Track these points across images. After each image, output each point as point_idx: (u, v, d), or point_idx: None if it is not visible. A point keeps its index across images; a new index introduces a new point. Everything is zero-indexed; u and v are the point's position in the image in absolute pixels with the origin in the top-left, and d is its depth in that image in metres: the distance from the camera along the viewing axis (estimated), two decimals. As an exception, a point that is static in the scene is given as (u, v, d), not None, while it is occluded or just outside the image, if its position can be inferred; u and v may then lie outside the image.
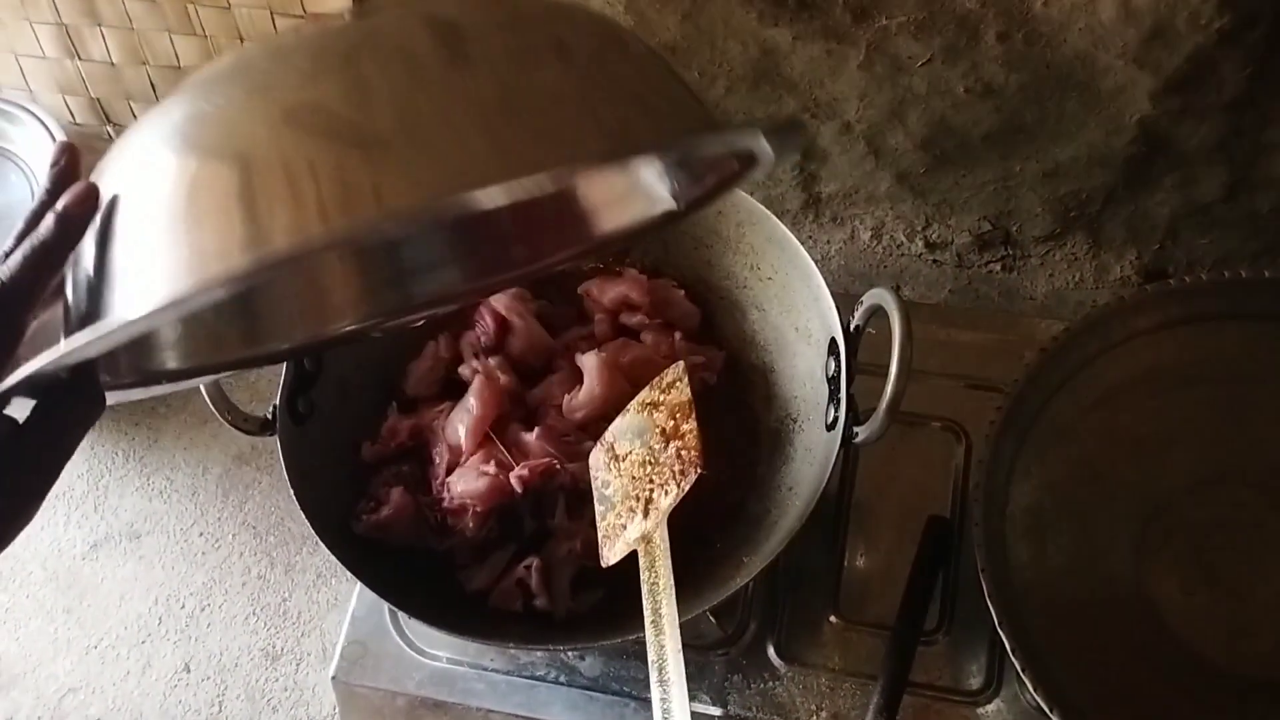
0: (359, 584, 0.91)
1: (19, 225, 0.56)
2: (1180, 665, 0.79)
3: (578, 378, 0.87)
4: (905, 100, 1.02)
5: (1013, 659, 0.74)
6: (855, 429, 0.75)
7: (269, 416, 0.81)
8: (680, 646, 0.68)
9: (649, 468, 0.80)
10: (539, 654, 0.87)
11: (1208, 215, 1.05)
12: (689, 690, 0.83)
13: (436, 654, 0.88)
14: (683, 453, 0.78)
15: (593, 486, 0.81)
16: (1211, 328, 0.86)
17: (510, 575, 0.81)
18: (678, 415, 0.80)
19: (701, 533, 0.84)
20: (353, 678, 0.89)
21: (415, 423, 0.87)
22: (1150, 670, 0.79)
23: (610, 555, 0.78)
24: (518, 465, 0.81)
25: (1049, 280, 1.13)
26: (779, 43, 0.99)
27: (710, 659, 0.86)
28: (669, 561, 0.73)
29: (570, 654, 0.87)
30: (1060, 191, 1.07)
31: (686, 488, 0.76)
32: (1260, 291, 0.85)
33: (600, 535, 0.79)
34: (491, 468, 0.81)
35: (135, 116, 1.17)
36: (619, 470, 0.81)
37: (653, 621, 0.70)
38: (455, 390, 0.89)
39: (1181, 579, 0.82)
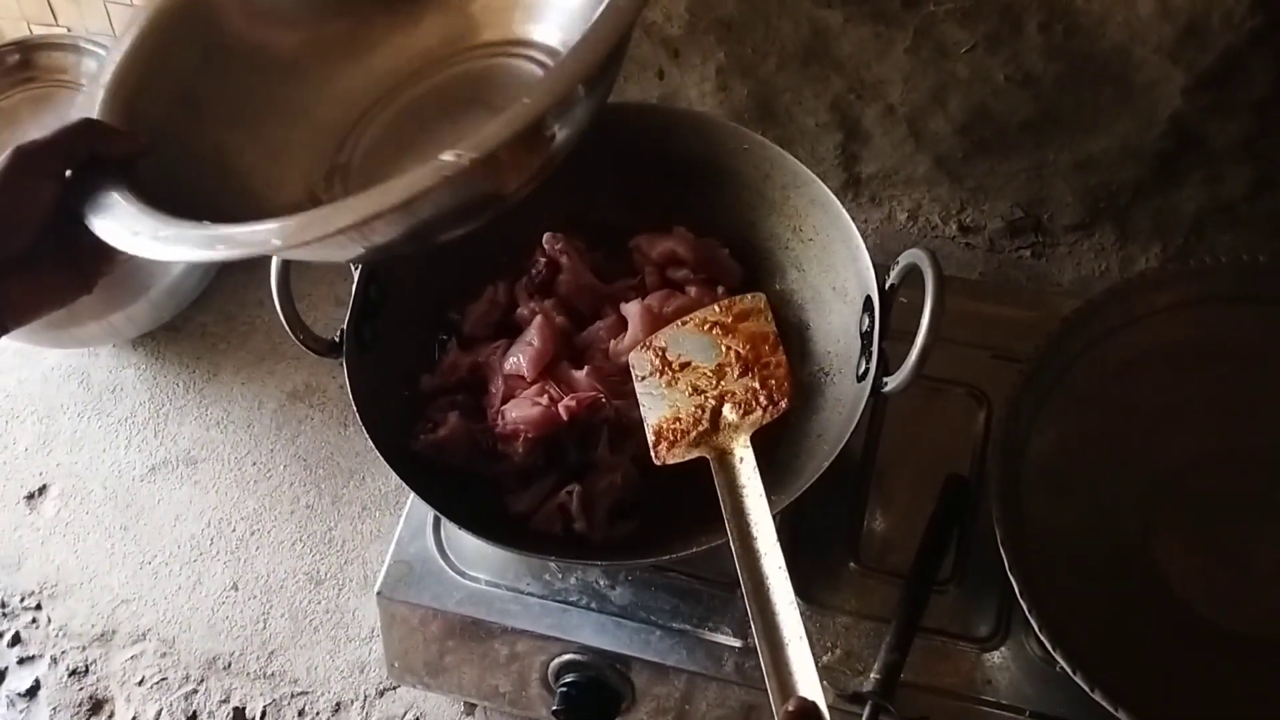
0: (406, 509, 0.98)
1: None
2: (1181, 622, 0.84)
3: (624, 325, 0.93)
4: (947, 85, 1.07)
5: (1020, 601, 0.79)
6: (885, 379, 0.80)
7: (336, 339, 0.87)
8: (787, 572, 0.72)
9: (717, 383, 0.86)
10: (572, 581, 0.93)
11: (1232, 212, 1.10)
12: (712, 622, 0.90)
13: (476, 575, 0.94)
14: (770, 381, 0.85)
15: (635, 382, 0.87)
16: (1228, 309, 0.90)
17: (552, 500, 0.86)
18: (761, 345, 0.87)
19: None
20: (396, 594, 0.94)
21: (474, 359, 0.92)
22: (1152, 625, 0.84)
23: (668, 456, 0.84)
24: (566, 396, 0.87)
25: (1076, 268, 1.18)
26: (830, 23, 1.05)
27: (734, 595, 0.91)
28: (758, 476, 0.79)
29: (601, 582, 0.92)
30: (1091, 182, 1.12)
31: (776, 414, 0.84)
32: (1277, 276, 0.89)
33: (652, 433, 0.85)
34: (544, 399, 0.86)
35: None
36: (674, 376, 0.87)
37: (740, 539, 0.75)
38: (509, 332, 0.95)
39: (1186, 543, 0.87)
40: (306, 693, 1.08)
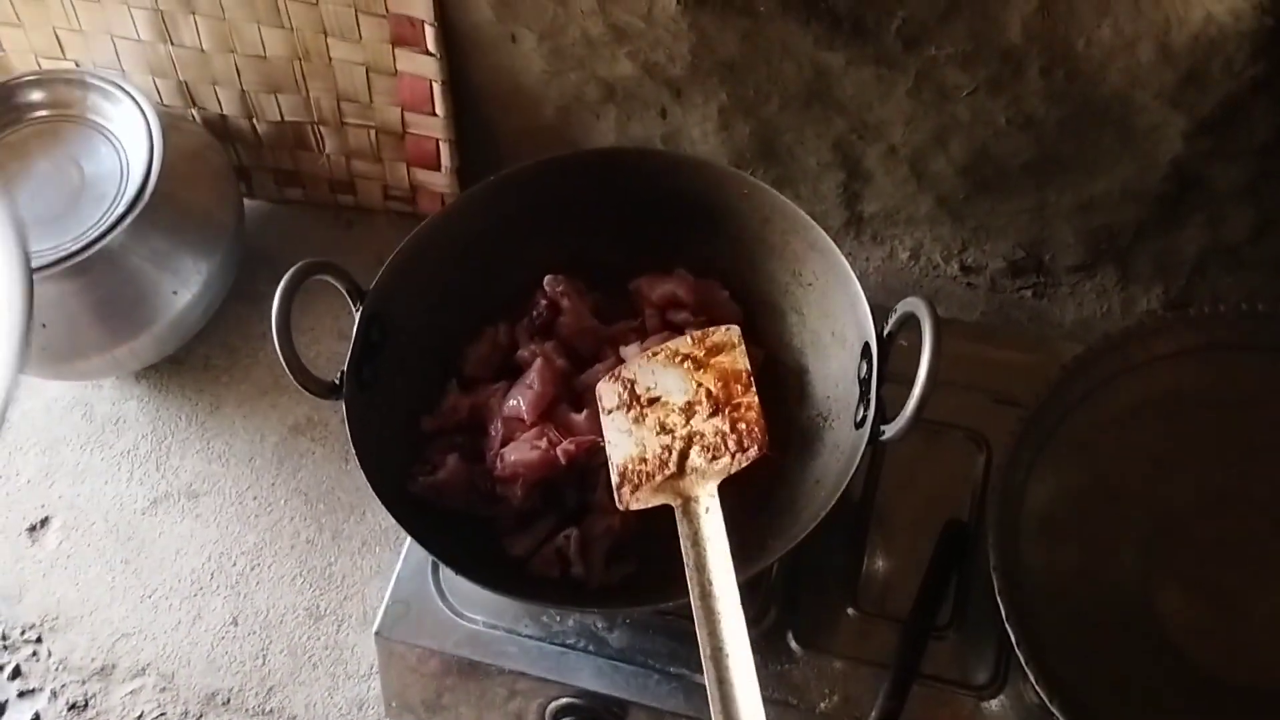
0: (405, 548, 0.98)
1: None
2: (1179, 671, 0.84)
3: (623, 367, 0.93)
4: (949, 127, 1.07)
5: (1017, 651, 0.79)
6: (883, 427, 0.80)
7: (336, 381, 0.87)
8: (744, 624, 0.72)
9: (686, 423, 0.83)
10: (569, 624, 0.92)
11: (1234, 255, 1.10)
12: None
13: (474, 617, 0.94)
14: (740, 425, 0.82)
15: (601, 415, 0.85)
16: (1228, 356, 0.90)
17: (550, 544, 0.87)
18: (732, 382, 0.84)
19: (730, 520, 0.88)
20: (394, 634, 0.94)
21: (474, 400, 0.93)
22: (1150, 674, 0.84)
23: (631, 500, 0.82)
24: (565, 440, 0.87)
25: (1078, 309, 1.18)
26: (832, 66, 1.05)
27: (732, 640, 0.91)
28: (722, 531, 0.77)
29: (599, 625, 0.92)
30: (1092, 224, 1.12)
31: (745, 463, 0.81)
32: (1277, 324, 0.89)
33: (616, 473, 0.83)
34: (543, 442, 0.87)
35: (220, 101, 1.24)
36: (641, 412, 0.84)
37: (701, 599, 0.73)
38: (509, 374, 0.95)
39: (1185, 591, 0.87)
40: (304, 730, 1.09)
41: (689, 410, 0.85)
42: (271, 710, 1.09)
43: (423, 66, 1.15)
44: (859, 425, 0.84)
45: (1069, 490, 0.89)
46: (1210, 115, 0.98)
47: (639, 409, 0.86)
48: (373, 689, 1.08)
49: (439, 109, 1.18)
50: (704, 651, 0.72)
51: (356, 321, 0.90)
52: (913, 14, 1.00)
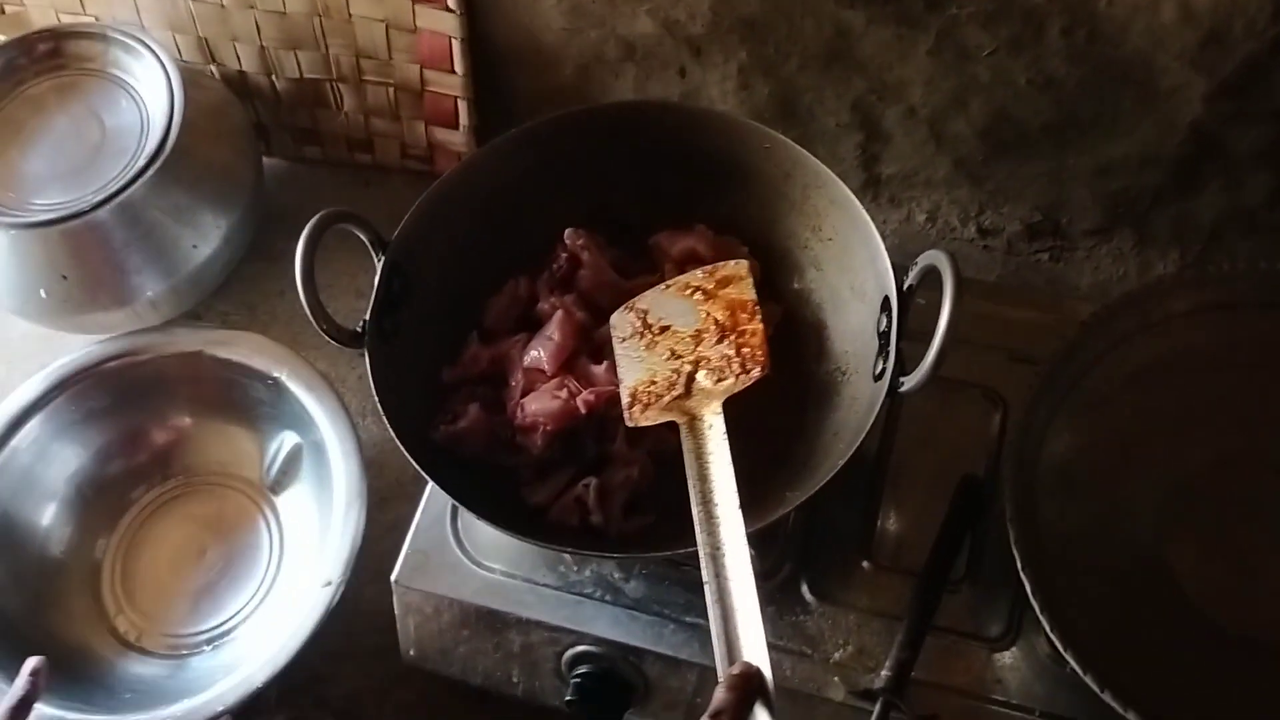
0: (424, 498, 0.99)
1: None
2: (1193, 625, 0.84)
3: (642, 320, 0.94)
4: (969, 88, 1.07)
5: (1032, 601, 0.80)
6: (901, 379, 0.81)
7: (359, 330, 0.88)
8: (745, 539, 0.74)
9: (694, 349, 0.87)
10: (586, 573, 0.93)
11: (1252, 219, 1.10)
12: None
13: (492, 566, 0.95)
14: (744, 349, 0.86)
15: (614, 344, 0.89)
16: (1246, 315, 0.91)
17: (569, 493, 0.87)
18: (739, 312, 0.88)
19: (748, 472, 0.89)
20: (413, 582, 0.95)
21: (494, 352, 0.93)
22: (1164, 628, 0.85)
23: (641, 418, 0.85)
24: (585, 390, 0.88)
25: (1094, 273, 1.18)
26: (852, 24, 1.05)
27: (748, 591, 0.92)
28: (725, 445, 0.80)
29: (615, 575, 0.93)
30: (1110, 187, 1.12)
31: (748, 383, 0.84)
32: (1294, 284, 0.90)
33: (627, 395, 0.86)
34: (564, 392, 0.87)
35: (239, 57, 1.25)
36: (653, 340, 0.88)
37: (703, 505, 0.76)
38: (529, 326, 0.95)
39: (1199, 548, 0.87)
40: (325, 680, 1.10)
41: (698, 338, 0.88)
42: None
43: (442, 23, 1.15)
44: (877, 378, 0.84)
45: (1085, 447, 0.89)
46: (1231, 77, 0.98)
47: (651, 337, 0.89)
48: (389, 641, 1.09)
49: (458, 67, 1.18)
50: (702, 551, 0.74)
51: (379, 270, 0.90)
52: (936, -28, 1.00)
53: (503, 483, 0.90)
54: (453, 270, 0.95)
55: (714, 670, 0.89)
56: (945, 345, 0.77)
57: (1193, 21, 0.95)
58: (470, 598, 0.94)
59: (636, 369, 0.88)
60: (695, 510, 0.76)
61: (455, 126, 1.24)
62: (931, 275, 0.81)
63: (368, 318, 0.88)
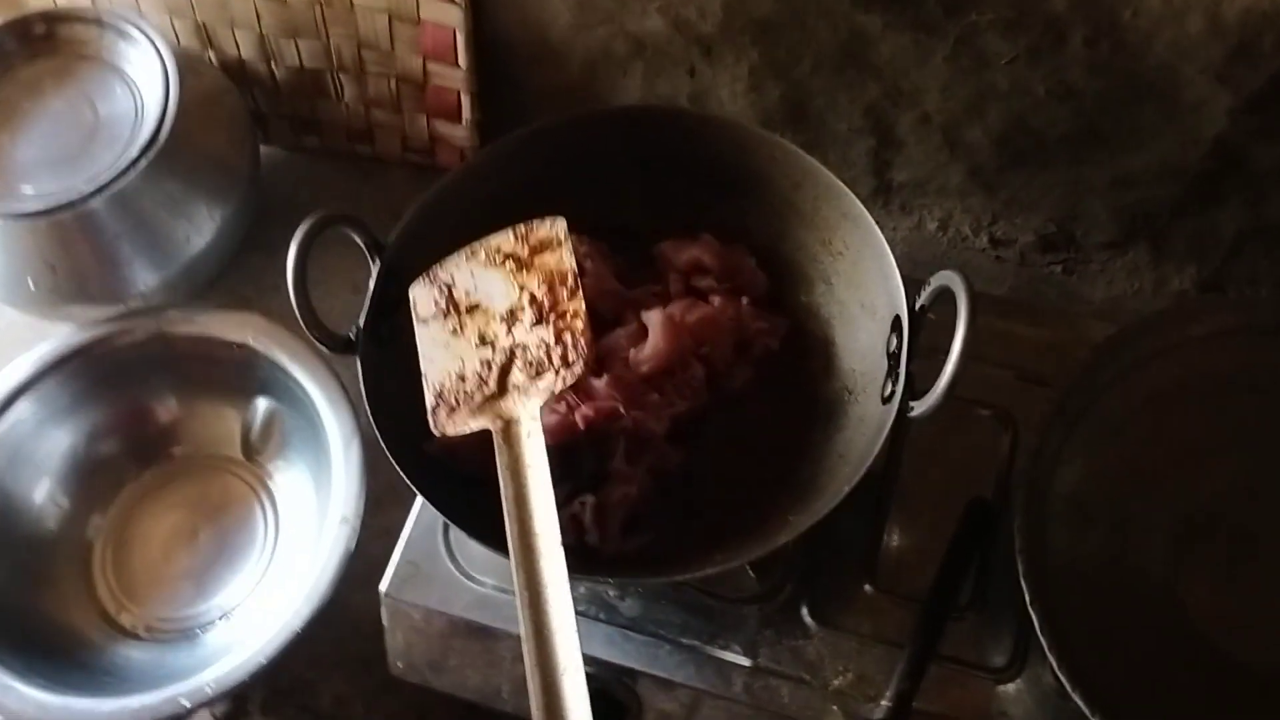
0: (415, 509, 0.96)
1: None
2: (1204, 660, 0.82)
3: (645, 333, 0.91)
4: (986, 96, 1.04)
5: (1040, 636, 0.77)
6: (911, 403, 0.78)
7: (351, 337, 0.85)
8: (565, 573, 0.65)
9: (508, 333, 0.75)
10: (581, 591, 0.91)
11: (1273, 236, 1.07)
12: (723, 639, 0.88)
13: (484, 580, 0.92)
14: (565, 336, 0.73)
15: (415, 323, 0.77)
16: (1267, 341, 0.88)
17: (565, 511, 0.84)
18: (558, 285, 0.75)
19: (750, 492, 0.87)
20: (402, 595, 0.93)
21: (491, 359, 0.91)
22: (1174, 662, 0.82)
23: (448, 424, 0.74)
24: (584, 405, 0.85)
25: (1108, 287, 1.15)
26: (868, 28, 1.02)
27: (745, 612, 0.90)
28: (544, 458, 0.69)
29: (611, 593, 0.91)
30: (1128, 200, 1.09)
31: (570, 380, 0.74)
32: (1317, 310, 0.87)
33: (432, 394, 0.75)
34: (562, 407, 0.85)
35: (238, 44, 1.22)
36: (460, 321, 0.76)
37: (520, 536, 0.66)
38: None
39: (1212, 580, 0.85)
40: (312, 687, 1.08)
41: (511, 319, 0.76)
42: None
43: (447, 15, 1.12)
44: (886, 400, 0.81)
45: (1098, 474, 0.87)
46: (1258, 92, 0.95)
47: (457, 318, 0.77)
48: (377, 648, 1.07)
49: (462, 60, 1.15)
50: (520, 597, 0.66)
51: (374, 275, 0.88)
52: (955, -23, 0.97)
53: (498, 498, 0.88)
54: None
55: (709, 695, 0.88)
56: (957, 372, 0.74)
57: (1221, 34, 0.92)
58: (461, 612, 0.92)
59: (442, 358, 0.76)
60: (511, 542, 0.67)
61: (458, 120, 1.21)
62: (944, 293, 0.78)
63: (361, 323, 0.86)
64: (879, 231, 0.85)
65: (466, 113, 1.20)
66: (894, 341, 0.83)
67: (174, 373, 1.14)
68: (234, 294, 1.24)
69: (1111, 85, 1.00)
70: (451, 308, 0.78)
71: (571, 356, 0.75)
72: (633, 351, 0.89)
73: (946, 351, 0.74)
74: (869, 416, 0.84)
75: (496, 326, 0.76)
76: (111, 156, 1.10)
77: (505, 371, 0.75)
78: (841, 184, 0.87)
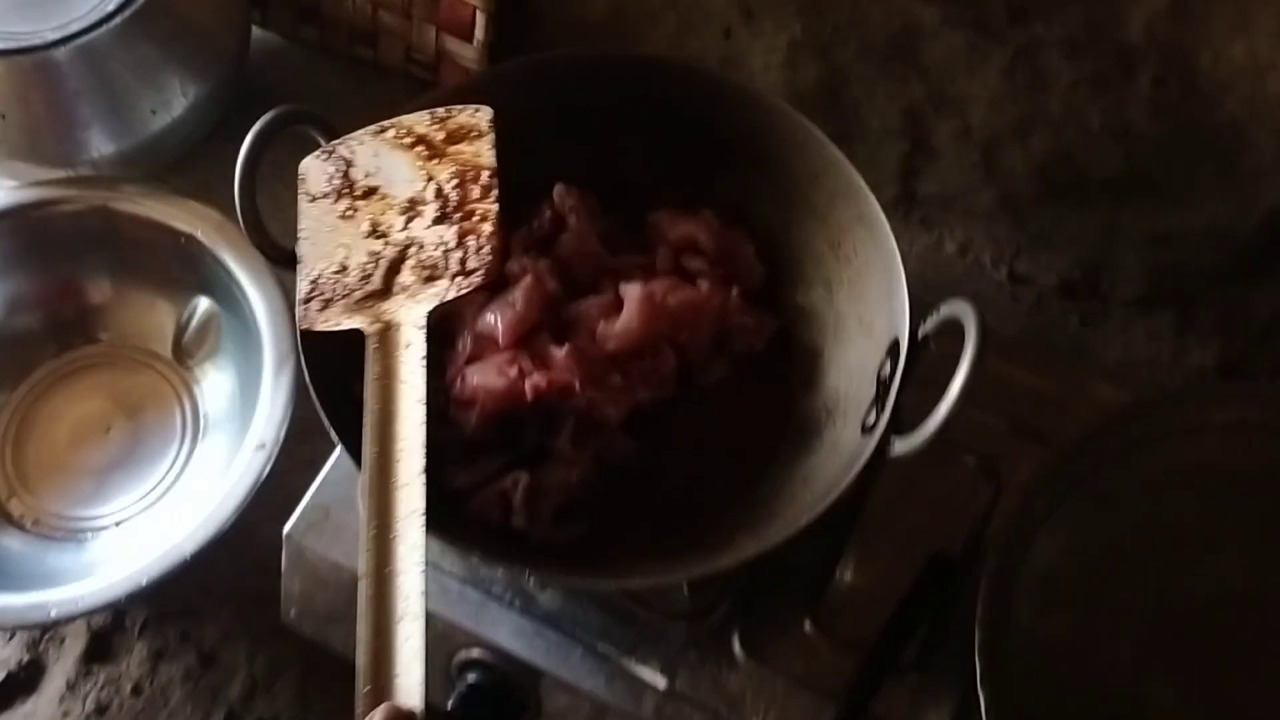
0: (337, 450, 0.88)
1: None
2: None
3: (619, 307, 0.82)
4: (1036, 119, 0.96)
5: (983, 717, 0.70)
6: (894, 438, 0.70)
7: (296, 251, 0.76)
8: (422, 508, 0.58)
9: (404, 226, 0.67)
10: (499, 571, 0.83)
11: (1309, 327, 0.99)
12: (641, 654, 0.81)
13: (397, 541, 0.84)
14: (468, 240, 0.66)
15: (300, 199, 0.69)
16: (1285, 442, 0.80)
17: (495, 485, 0.76)
18: (470, 182, 0.67)
19: (700, 501, 0.79)
20: (306, 540, 0.85)
21: (447, 305, 0.82)
22: (1122, 772, 0.75)
23: (319, 319, 0.66)
24: (537, 372, 0.76)
25: (1124, 348, 1.07)
26: (924, 21, 0.94)
27: (671, 627, 0.82)
28: (422, 375, 0.62)
29: (531, 581, 0.83)
30: (1164, 259, 1.01)
31: (466, 289, 0.66)
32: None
33: (306, 283, 0.67)
34: (514, 370, 0.76)
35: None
36: (353, 205, 0.68)
37: (376, 459, 0.58)
38: (491, 284, 0.84)
39: (1181, 687, 0.77)
40: (198, 616, 1.00)
41: (411, 210, 0.68)
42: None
43: (476, -77, 1.03)
44: (867, 430, 0.73)
45: (1080, 552, 0.79)
46: (1330, 169, 0.87)
47: (350, 200, 0.69)
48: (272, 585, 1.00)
49: (483, -26, 1.06)
50: (365, 528, 0.57)
51: (335, 188, 0.79)
52: (1028, -18, 0.88)
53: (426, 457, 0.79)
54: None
55: (615, 712, 0.80)
56: (952, 414, 0.66)
57: (1302, 101, 0.84)
58: (365, 570, 0.84)
59: (326, 244, 0.67)
60: (365, 464, 0.59)
61: (469, 39, 1.12)
62: (952, 325, 0.70)
63: (310, 238, 0.77)
64: (894, 244, 0.77)
65: (479, 32, 1.10)
66: (887, 367, 0.74)
67: (113, 253, 1.05)
68: (195, 181, 1.14)
69: (1172, 132, 0.92)
70: (346, 188, 0.69)
71: (472, 264, 0.66)
72: (602, 324, 0.80)
73: (941, 386, 0.67)
74: (844, 444, 0.76)
75: (393, 217, 0.68)
76: (86, 7, 1.01)
77: (394, 269, 0.66)
78: (864, 184, 0.79)
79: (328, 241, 0.68)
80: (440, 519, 0.71)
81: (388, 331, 0.64)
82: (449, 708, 0.82)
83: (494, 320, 0.79)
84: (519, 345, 0.78)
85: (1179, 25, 0.85)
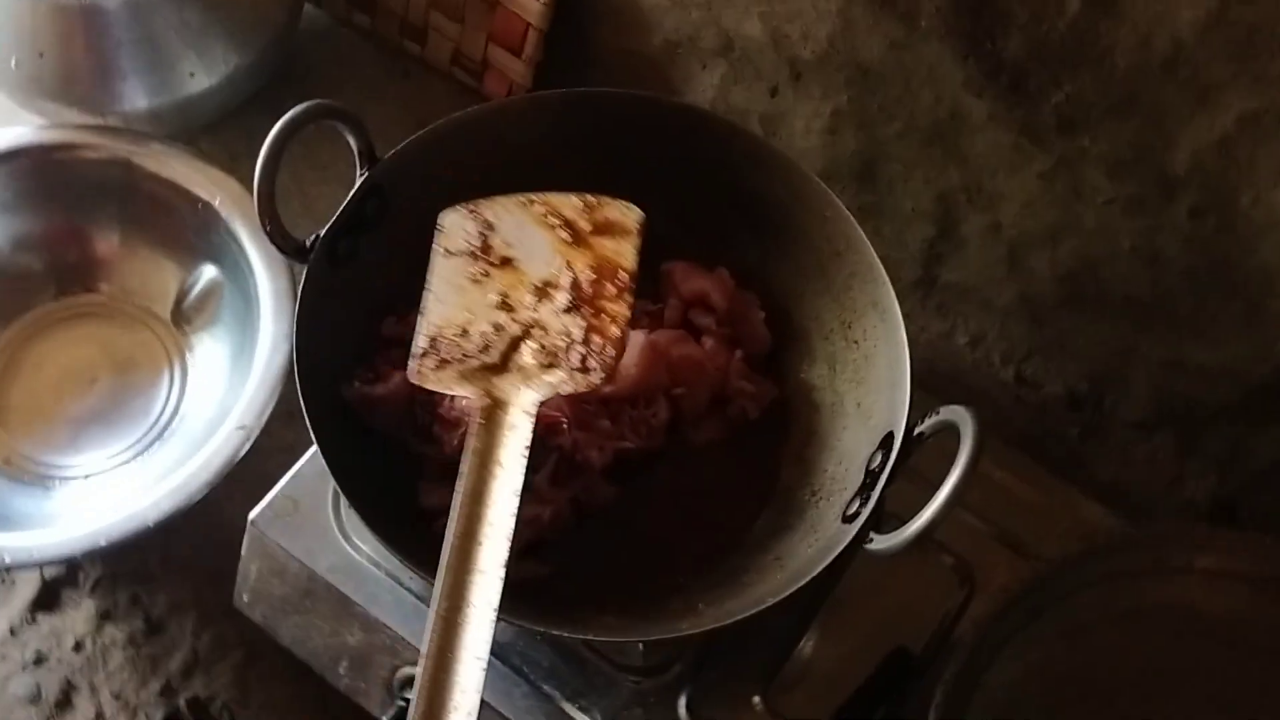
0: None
1: None
2: None
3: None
4: (1068, 228, 0.95)
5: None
6: (873, 535, 0.69)
7: (307, 244, 0.76)
8: (497, 599, 0.57)
9: (534, 306, 0.66)
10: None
11: (1309, 479, 0.98)
12: (585, 701, 0.79)
13: (360, 547, 0.83)
14: (594, 338, 0.65)
15: (434, 253, 0.68)
16: (1266, 595, 0.79)
17: (466, 509, 0.75)
18: (608, 279, 0.66)
19: (670, 560, 0.78)
20: (270, 530, 0.84)
21: (448, 322, 0.81)
22: None
23: (431, 376, 0.65)
24: (525, 408, 0.75)
25: (1120, 469, 1.06)
26: (972, 114, 0.93)
27: (619, 679, 0.81)
28: (522, 462, 0.61)
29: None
30: (1175, 386, 1.00)
31: (582, 388, 0.65)
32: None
33: (425, 338, 0.67)
34: (502, 396, 0.75)
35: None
36: (487, 270, 0.67)
37: (460, 538, 0.57)
38: (498, 304, 0.83)
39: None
40: (153, 583, 0.99)
41: (543, 292, 0.67)
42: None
43: (543, -59, 1.02)
44: (847, 519, 0.72)
45: (1044, 674, 0.77)
46: (1354, 331, 0.86)
47: (485, 265, 0.68)
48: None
49: (542, -7, 1.05)
50: (435, 605, 0.56)
51: (356, 186, 0.78)
52: (1081, 95, 0.87)
53: (402, 468, 0.78)
54: (439, 212, 0.83)
55: (550, 758, 0.79)
56: (936, 521, 0.65)
57: (1336, 259, 0.83)
58: (326, 571, 0.83)
59: (450, 304, 0.66)
60: (448, 540, 0.58)
61: (518, 53, 1.11)
62: (951, 429, 0.69)
63: (323, 233, 0.76)
64: (905, 336, 0.76)
65: (529, 48, 1.10)
66: (878, 459, 0.73)
67: (127, 207, 1.04)
68: (222, 148, 1.14)
69: (1202, 266, 0.91)
70: (483, 252, 0.69)
71: (593, 363, 0.65)
72: (601, 366, 0.79)
73: (928, 481, 0.65)
74: (823, 528, 0.75)
75: (524, 294, 0.67)
76: (140, -42, 1.00)
77: (514, 346, 0.66)
78: (884, 272, 0.78)
79: (455, 301, 0.67)
80: (402, 537, 0.71)
81: (495, 409, 0.63)
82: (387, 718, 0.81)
83: (493, 345, 0.78)
84: (513, 374, 0.77)
85: (1225, 162, 0.84)
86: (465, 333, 0.66)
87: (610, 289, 0.67)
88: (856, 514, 0.71)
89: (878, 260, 0.78)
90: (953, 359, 1.08)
